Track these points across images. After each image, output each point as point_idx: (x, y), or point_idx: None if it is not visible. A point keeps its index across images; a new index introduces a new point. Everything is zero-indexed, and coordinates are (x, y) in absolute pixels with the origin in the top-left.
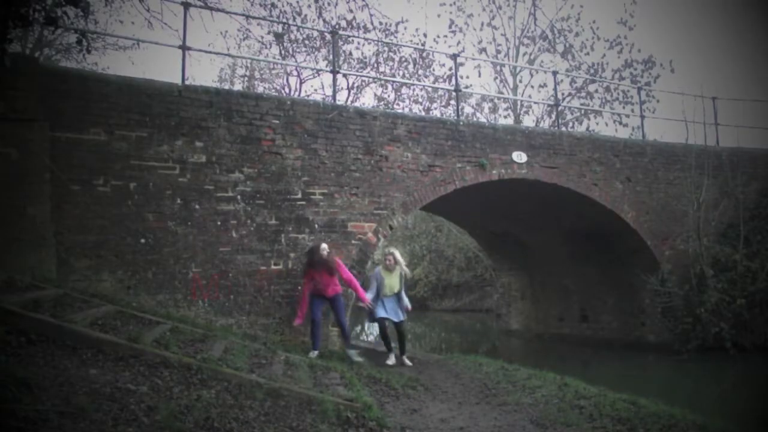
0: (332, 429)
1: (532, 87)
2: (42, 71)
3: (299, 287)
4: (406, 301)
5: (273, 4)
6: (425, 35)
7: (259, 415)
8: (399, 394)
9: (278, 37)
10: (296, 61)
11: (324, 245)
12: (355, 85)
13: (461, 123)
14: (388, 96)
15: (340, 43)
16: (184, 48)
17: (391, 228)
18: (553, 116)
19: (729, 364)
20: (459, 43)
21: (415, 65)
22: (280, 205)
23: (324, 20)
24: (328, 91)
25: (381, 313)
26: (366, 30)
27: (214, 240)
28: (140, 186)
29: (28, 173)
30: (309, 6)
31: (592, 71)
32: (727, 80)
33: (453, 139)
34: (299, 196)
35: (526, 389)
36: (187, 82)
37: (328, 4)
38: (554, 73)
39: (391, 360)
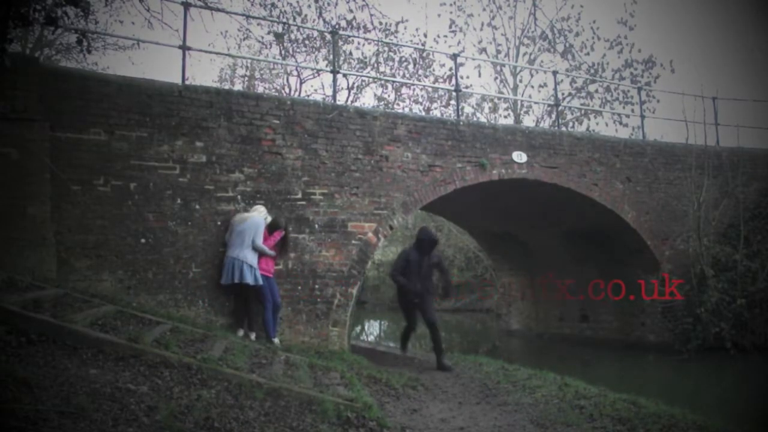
0: (332, 429)
1: (532, 87)
2: (42, 71)
3: (299, 287)
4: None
5: (273, 4)
6: (425, 35)
7: (259, 415)
8: (399, 393)
9: (278, 37)
10: (296, 61)
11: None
12: (355, 85)
13: (461, 123)
14: (388, 96)
15: (340, 43)
16: (184, 48)
17: (391, 228)
18: (553, 116)
19: (729, 364)
20: (459, 43)
21: (415, 65)
22: (281, 205)
23: (324, 20)
24: (328, 91)
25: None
26: (366, 30)
27: (215, 240)
28: (140, 186)
29: (28, 173)
30: (309, 6)
31: (592, 71)
32: (727, 80)
33: (453, 139)
34: (299, 196)
35: (527, 389)
36: (187, 82)
37: (328, 4)
38: (554, 73)
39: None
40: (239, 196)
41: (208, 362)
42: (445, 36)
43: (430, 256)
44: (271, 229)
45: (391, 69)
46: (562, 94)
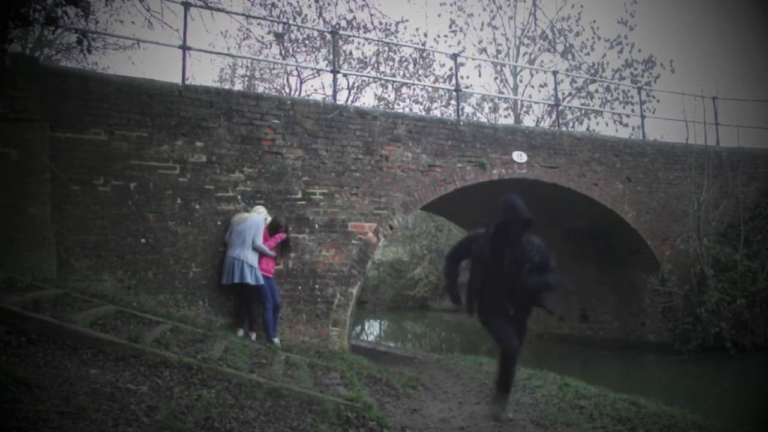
0: (332, 429)
1: (533, 87)
2: (42, 71)
3: (299, 287)
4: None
5: (273, 4)
6: (425, 35)
7: (259, 414)
8: (399, 393)
9: (278, 37)
10: (296, 61)
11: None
12: (356, 85)
13: (461, 123)
14: (389, 96)
15: (340, 42)
16: (184, 48)
17: (391, 228)
18: (554, 116)
19: (729, 364)
20: (459, 42)
21: (415, 65)
22: (281, 205)
23: (324, 20)
24: (329, 91)
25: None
26: (366, 30)
27: (215, 240)
28: (140, 186)
29: (28, 173)
30: (309, 6)
31: (592, 71)
32: (727, 80)
33: (453, 139)
34: (299, 196)
35: (527, 389)
36: (187, 82)
37: (328, 4)
38: (554, 73)
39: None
40: (239, 196)
41: (208, 362)
42: (445, 36)
43: (521, 246)
44: (272, 229)
45: (391, 69)
46: (562, 94)
